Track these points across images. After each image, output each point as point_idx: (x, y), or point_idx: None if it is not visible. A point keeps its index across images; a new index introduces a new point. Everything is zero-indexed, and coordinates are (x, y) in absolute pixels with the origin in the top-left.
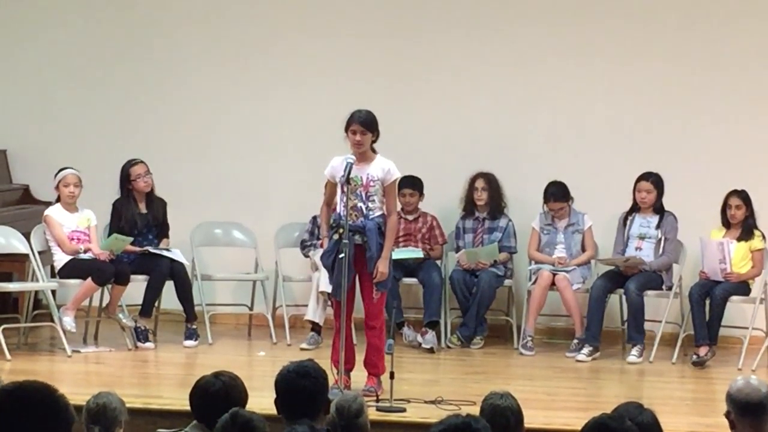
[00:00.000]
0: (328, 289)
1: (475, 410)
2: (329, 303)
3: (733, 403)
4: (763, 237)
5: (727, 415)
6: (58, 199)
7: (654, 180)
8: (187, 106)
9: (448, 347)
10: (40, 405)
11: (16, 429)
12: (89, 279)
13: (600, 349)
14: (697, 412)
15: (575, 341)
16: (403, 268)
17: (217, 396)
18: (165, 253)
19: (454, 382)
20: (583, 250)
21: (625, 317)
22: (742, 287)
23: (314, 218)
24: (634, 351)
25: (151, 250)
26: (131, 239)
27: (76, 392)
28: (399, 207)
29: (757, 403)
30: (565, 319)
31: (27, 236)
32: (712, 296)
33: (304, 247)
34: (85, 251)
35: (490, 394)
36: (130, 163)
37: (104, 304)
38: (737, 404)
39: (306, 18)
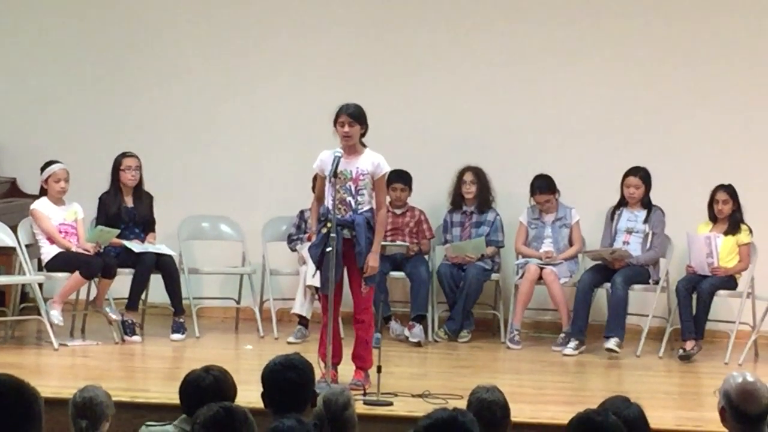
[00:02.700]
0: (316, 283)
1: (462, 404)
2: (316, 297)
3: (731, 407)
4: (750, 231)
5: (721, 411)
6: (43, 193)
7: (642, 175)
8: (175, 101)
9: (435, 341)
10: (10, 398)
11: None
12: (77, 272)
13: (586, 343)
14: (683, 406)
15: (562, 335)
16: (390, 261)
17: (208, 390)
18: (150, 249)
19: (441, 376)
20: (571, 244)
21: (608, 309)
22: (729, 281)
23: (301, 212)
24: (612, 341)
25: (135, 249)
26: (118, 231)
27: (63, 386)
28: (388, 201)
29: (759, 414)
30: (552, 313)
31: (14, 229)
32: (699, 290)
33: (291, 241)
34: (80, 249)
35: (477, 388)
36: (124, 155)
37: (91, 298)
38: (734, 409)
39: (296, 14)
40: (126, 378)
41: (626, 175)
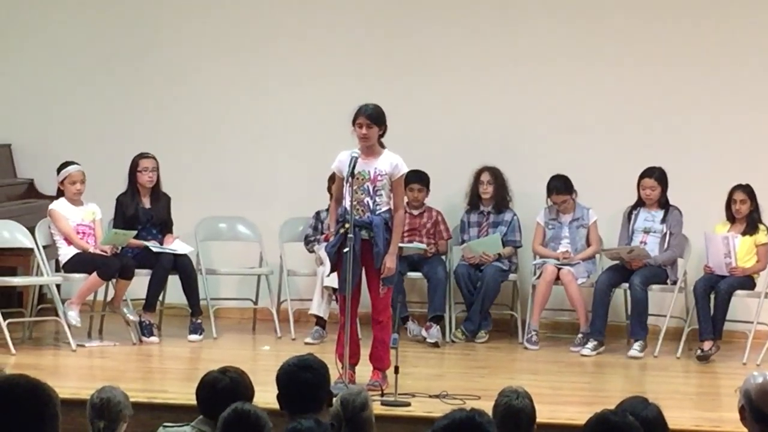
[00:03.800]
0: (333, 283)
1: (480, 404)
2: (334, 297)
3: (751, 406)
4: None
5: (741, 410)
6: (60, 194)
7: (657, 176)
8: (190, 101)
9: (453, 342)
10: (26, 398)
11: (1, 422)
12: (94, 273)
13: (604, 344)
14: (701, 406)
15: (580, 336)
16: (408, 262)
17: (225, 392)
18: (167, 249)
19: (459, 377)
20: (588, 244)
21: (630, 312)
22: (747, 282)
23: (317, 213)
24: (636, 345)
25: (153, 249)
26: (134, 233)
27: (81, 386)
28: (405, 201)
29: None
30: (569, 314)
31: (32, 230)
32: (716, 291)
33: (308, 242)
34: (97, 251)
35: (507, 391)
36: (141, 155)
37: (109, 299)
38: (754, 409)
39: (310, 13)
40: (143, 379)
41: (642, 176)
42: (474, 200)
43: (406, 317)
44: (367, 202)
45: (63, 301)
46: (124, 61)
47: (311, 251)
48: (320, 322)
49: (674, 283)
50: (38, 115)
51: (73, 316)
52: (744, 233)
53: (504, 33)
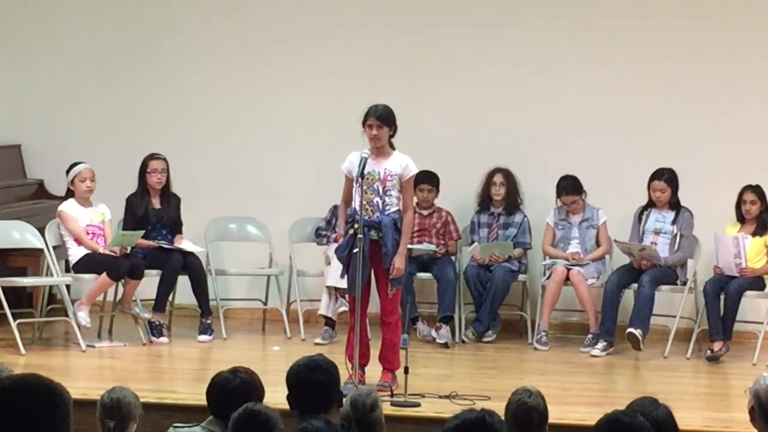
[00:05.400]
0: (336, 283)
1: (490, 405)
2: (340, 297)
3: (761, 407)
4: None
5: (751, 411)
6: (69, 195)
7: (667, 178)
8: (200, 102)
9: (464, 341)
10: (37, 398)
11: (12, 422)
12: (104, 274)
13: (614, 344)
14: (711, 407)
15: (589, 336)
16: (417, 263)
17: (235, 392)
18: (178, 246)
19: (469, 377)
20: (598, 245)
21: (633, 306)
22: (757, 282)
23: (334, 207)
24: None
25: (164, 245)
26: (141, 233)
27: (91, 387)
28: (415, 202)
29: None
30: (579, 314)
31: (41, 231)
32: (726, 291)
33: (319, 235)
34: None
35: (521, 390)
36: (151, 156)
37: (118, 299)
38: (764, 410)
39: (320, 14)
40: (153, 379)
41: (652, 178)
42: (485, 201)
43: (415, 318)
44: (377, 202)
45: (73, 302)
46: (133, 62)
47: (321, 244)
48: (329, 322)
49: (684, 283)
50: (48, 116)
51: (83, 316)
52: (754, 234)
53: (514, 34)
